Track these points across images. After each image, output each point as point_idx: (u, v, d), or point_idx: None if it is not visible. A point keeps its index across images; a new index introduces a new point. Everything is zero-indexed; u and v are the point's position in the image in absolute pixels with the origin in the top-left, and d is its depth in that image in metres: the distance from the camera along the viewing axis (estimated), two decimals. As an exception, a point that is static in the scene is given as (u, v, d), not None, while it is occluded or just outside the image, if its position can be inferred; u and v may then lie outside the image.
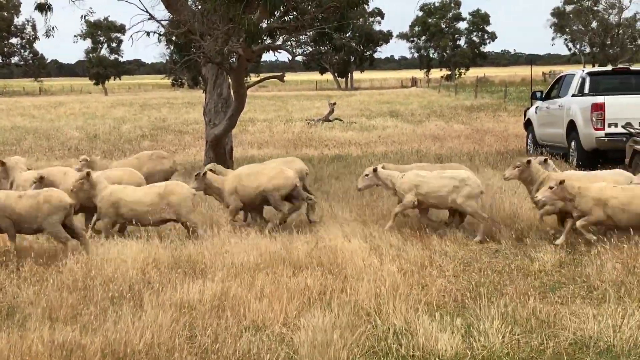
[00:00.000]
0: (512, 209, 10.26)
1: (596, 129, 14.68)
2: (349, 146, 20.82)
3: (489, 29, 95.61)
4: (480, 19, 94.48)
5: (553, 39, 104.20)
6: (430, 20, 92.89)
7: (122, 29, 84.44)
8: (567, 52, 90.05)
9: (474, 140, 21.48)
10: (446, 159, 16.60)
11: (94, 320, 6.22)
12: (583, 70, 16.77)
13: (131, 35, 13.91)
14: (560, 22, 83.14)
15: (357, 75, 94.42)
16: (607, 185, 8.73)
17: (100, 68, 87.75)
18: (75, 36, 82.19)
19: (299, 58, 16.62)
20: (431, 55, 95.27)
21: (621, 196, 8.49)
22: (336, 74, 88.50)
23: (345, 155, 18.63)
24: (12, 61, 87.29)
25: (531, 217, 9.89)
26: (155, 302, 6.60)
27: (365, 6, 14.58)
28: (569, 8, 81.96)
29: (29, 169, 10.83)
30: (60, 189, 8.93)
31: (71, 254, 8.25)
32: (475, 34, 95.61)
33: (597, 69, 22.34)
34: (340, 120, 29.58)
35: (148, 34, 13.98)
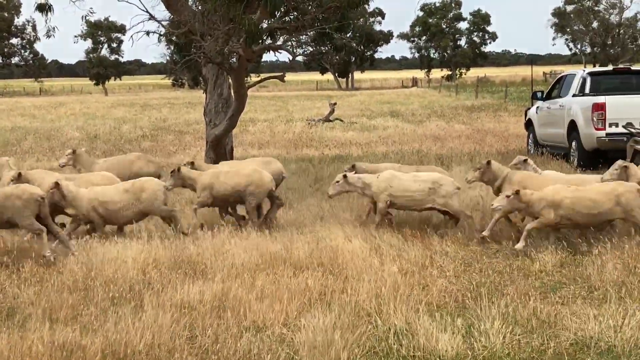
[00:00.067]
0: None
1: (597, 129, 14.68)
2: (349, 146, 20.82)
3: (489, 29, 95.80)
4: (480, 19, 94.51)
5: (554, 39, 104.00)
6: (430, 21, 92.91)
7: (122, 29, 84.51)
8: (567, 52, 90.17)
9: (474, 140, 21.47)
10: (447, 159, 16.60)
11: (95, 320, 6.23)
12: (584, 70, 16.76)
13: (131, 36, 13.92)
14: (561, 22, 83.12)
15: (357, 75, 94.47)
16: (560, 187, 8.74)
17: (101, 68, 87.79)
18: (75, 36, 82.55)
19: (299, 58, 16.58)
20: (432, 55, 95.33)
21: (573, 196, 8.52)
22: (337, 74, 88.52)
23: (346, 155, 18.62)
24: (13, 61, 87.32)
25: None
26: (155, 303, 6.60)
27: (366, 6, 14.58)
28: (569, 8, 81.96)
29: (15, 169, 10.88)
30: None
31: (71, 255, 8.26)
32: (475, 34, 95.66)
33: (597, 69, 22.37)
34: (341, 121, 29.58)
35: (148, 33, 13.99)
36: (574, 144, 15.52)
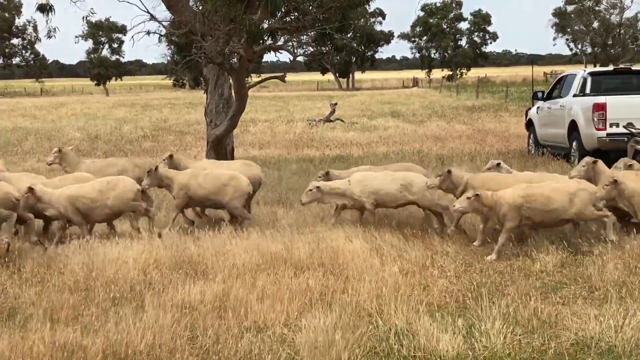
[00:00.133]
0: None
1: (598, 129, 14.67)
2: (350, 147, 20.82)
3: (490, 29, 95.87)
4: (481, 19, 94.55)
5: (554, 39, 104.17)
6: (431, 21, 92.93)
7: (123, 29, 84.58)
8: (568, 52, 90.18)
9: (475, 140, 21.48)
10: (447, 160, 16.61)
11: (95, 321, 6.23)
12: (584, 70, 16.75)
13: (132, 36, 13.94)
14: (562, 22, 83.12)
15: (358, 75, 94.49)
16: (520, 187, 8.67)
17: (102, 69, 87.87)
18: (76, 37, 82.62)
19: (300, 58, 16.63)
20: (432, 55, 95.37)
21: (527, 194, 8.47)
22: (337, 75, 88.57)
23: (347, 155, 18.63)
24: (14, 62, 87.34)
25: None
26: (156, 303, 6.61)
27: (367, 6, 14.59)
28: (570, 8, 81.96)
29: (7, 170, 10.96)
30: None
31: (72, 255, 8.26)
32: (476, 34, 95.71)
33: (598, 69, 22.36)
34: (342, 121, 29.58)
35: (149, 33, 14.01)
36: (574, 144, 15.52)
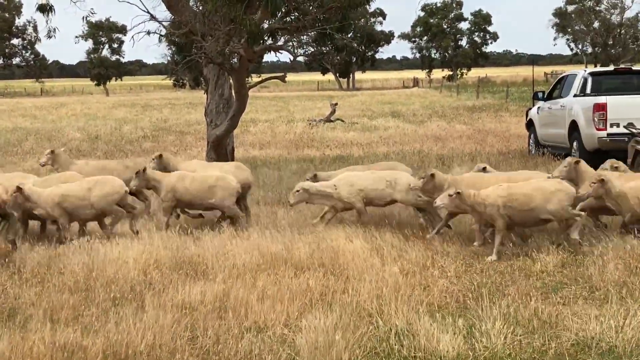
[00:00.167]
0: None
1: (598, 129, 14.66)
2: (350, 147, 20.82)
3: (490, 29, 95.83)
4: (482, 19, 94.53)
5: (555, 39, 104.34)
6: (432, 21, 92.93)
7: (123, 29, 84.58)
8: (569, 52, 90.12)
9: (475, 140, 21.46)
10: (448, 160, 16.60)
11: (96, 321, 6.23)
12: (585, 71, 16.75)
13: (132, 36, 13.93)
14: (562, 22, 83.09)
15: (358, 75, 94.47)
16: (499, 187, 8.65)
17: (102, 69, 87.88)
18: (76, 37, 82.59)
19: (300, 58, 16.62)
20: (433, 55, 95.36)
21: (507, 194, 8.47)
22: (338, 75, 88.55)
23: (347, 155, 18.62)
24: (14, 62, 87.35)
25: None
26: (156, 303, 6.60)
27: (367, 6, 14.58)
28: (570, 8, 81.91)
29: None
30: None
31: (72, 255, 8.26)
32: (477, 34, 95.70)
33: (599, 69, 22.35)
34: (342, 121, 29.57)
35: (149, 33, 14.00)
36: (575, 144, 15.51)
